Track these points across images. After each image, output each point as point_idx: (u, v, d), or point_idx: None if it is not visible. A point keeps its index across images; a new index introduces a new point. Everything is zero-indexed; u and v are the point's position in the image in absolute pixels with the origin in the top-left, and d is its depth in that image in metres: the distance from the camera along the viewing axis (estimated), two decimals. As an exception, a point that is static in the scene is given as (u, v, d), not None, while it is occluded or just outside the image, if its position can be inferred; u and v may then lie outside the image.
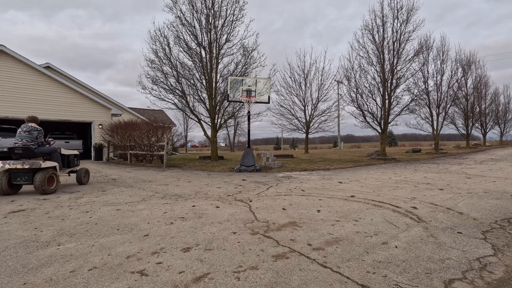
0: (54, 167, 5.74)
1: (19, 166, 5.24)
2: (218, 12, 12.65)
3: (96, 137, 16.02)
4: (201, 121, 14.17)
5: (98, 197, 5.02)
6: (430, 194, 4.95)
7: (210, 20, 12.61)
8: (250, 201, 4.51)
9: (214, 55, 12.90)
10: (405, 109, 15.42)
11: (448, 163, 11.46)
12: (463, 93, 24.43)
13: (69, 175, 6.89)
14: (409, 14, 14.25)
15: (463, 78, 23.03)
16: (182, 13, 12.56)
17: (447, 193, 5.03)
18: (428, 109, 19.65)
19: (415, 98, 16.36)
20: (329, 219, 3.42)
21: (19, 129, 5.64)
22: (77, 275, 2.02)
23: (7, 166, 5.23)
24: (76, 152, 7.04)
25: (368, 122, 15.52)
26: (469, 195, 4.77)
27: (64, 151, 6.44)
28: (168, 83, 13.28)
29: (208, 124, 13.93)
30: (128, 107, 22.41)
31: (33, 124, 5.76)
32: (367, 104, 15.16)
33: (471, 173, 8.02)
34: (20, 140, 5.53)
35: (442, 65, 19.49)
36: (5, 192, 5.28)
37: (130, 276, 1.99)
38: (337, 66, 50.13)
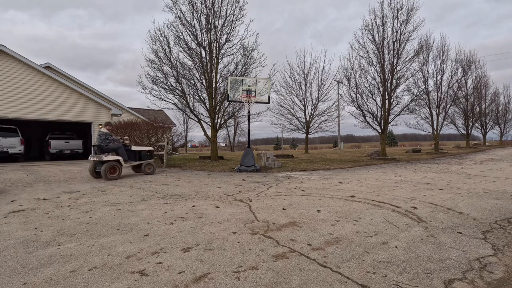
0: (117, 160, 7.60)
1: (95, 159, 7.48)
2: (218, 12, 12.65)
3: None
4: (201, 121, 14.16)
5: (98, 197, 5.02)
6: (430, 194, 4.95)
7: (210, 20, 12.60)
8: (250, 201, 4.51)
9: (214, 55, 12.89)
10: (405, 109, 15.42)
11: (448, 163, 11.45)
12: (463, 93, 24.41)
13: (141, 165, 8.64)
14: (409, 14, 14.26)
15: (463, 78, 23.03)
16: (182, 13, 12.55)
17: (447, 193, 5.03)
18: (428, 109, 19.64)
19: (415, 98, 16.36)
20: (329, 219, 3.42)
21: (97, 134, 8.02)
22: (77, 275, 2.02)
23: (91, 159, 7.62)
24: (150, 148, 8.88)
25: (368, 122, 15.51)
26: (469, 195, 4.77)
27: (134, 148, 8.40)
28: (168, 83, 13.27)
29: (208, 124, 13.92)
30: (128, 107, 22.39)
31: (103, 129, 7.91)
32: (367, 104, 15.17)
33: (471, 173, 8.02)
34: (96, 141, 7.83)
35: (442, 65, 19.50)
36: (92, 175, 7.64)
37: (130, 276, 2.00)
38: (337, 66, 50.08)
